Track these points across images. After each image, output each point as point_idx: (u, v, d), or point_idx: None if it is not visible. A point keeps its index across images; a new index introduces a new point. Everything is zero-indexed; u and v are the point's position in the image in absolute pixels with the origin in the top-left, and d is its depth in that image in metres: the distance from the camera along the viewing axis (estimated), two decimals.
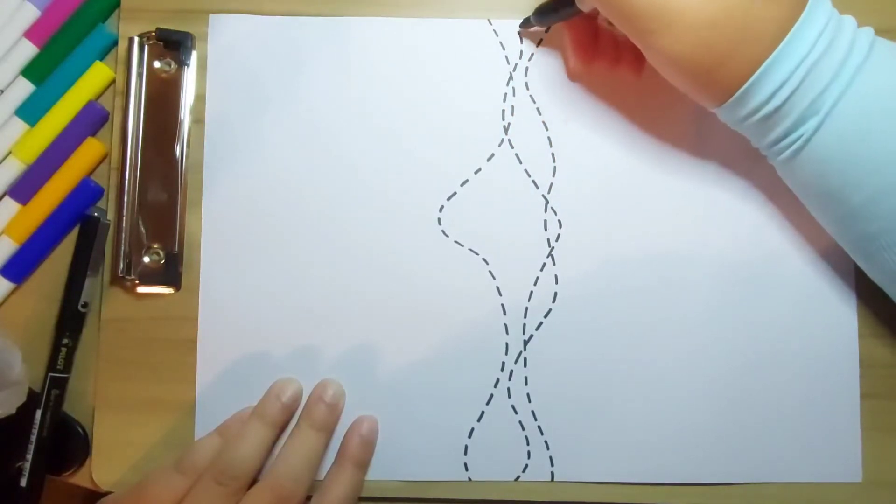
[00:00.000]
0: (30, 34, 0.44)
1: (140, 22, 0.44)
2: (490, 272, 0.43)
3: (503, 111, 0.44)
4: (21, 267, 0.43)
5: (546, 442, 0.42)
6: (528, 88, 0.44)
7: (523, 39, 0.44)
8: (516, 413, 0.42)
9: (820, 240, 0.43)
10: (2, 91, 0.44)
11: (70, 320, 0.42)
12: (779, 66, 0.34)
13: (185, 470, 0.39)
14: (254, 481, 0.39)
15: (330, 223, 0.43)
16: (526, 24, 0.43)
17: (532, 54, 0.44)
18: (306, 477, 0.39)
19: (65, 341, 0.42)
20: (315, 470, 0.40)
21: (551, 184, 0.44)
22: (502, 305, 0.43)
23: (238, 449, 0.39)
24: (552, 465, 0.42)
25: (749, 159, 0.43)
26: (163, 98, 0.44)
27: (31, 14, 0.44)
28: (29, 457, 0.41)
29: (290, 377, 0.42)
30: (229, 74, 0.44)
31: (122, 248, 0.42)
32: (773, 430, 0.42)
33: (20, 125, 0.44)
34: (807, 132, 0.35)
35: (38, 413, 0.41)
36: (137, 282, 0.43)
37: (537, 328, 0.43)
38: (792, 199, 0.42)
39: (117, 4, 0.45)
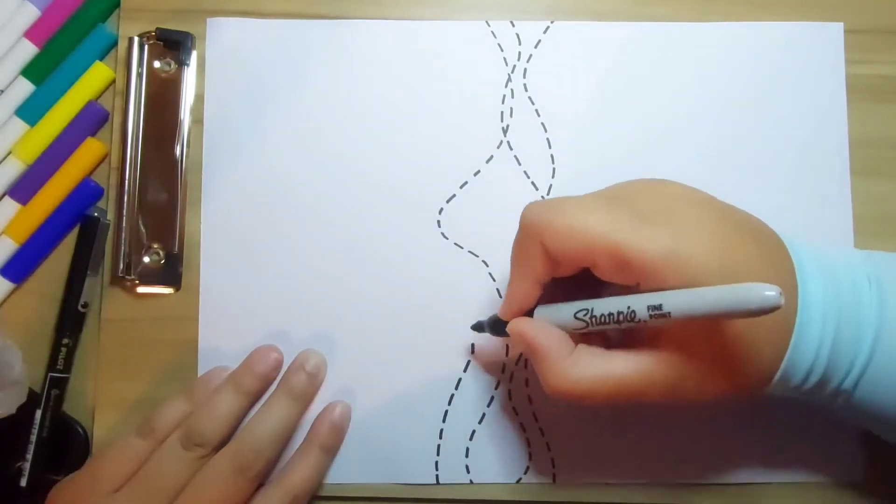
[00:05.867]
0: (30, 34, 0.44)
1: (140, 22, 0.44)
2: (490, 274, 0.43)
3: (502, 113, 0.44)
4: (21, 267, 0.43)
5: (547, 444, 0.42)
6: (526, 90, 0.44)
7: (522, 41, 0.44)
8: (517, 415, 0.42)
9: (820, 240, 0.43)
10: (2, 91, 0.44)
11: (70, 320, 0.42)
12: (797, 362, 0.33)
13: (147, 433, 0.39)
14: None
15: (329, 224, 0.43)
16: (479, 328, 0.41)
17: (531, 55, 0.44)
18: (270, 448, 0.39)
19: (65, 341, 0.42)
20: (283, 441, 0.40)
21: (551, 185, 0.44)
22: None
23: (207, 415, 0.39)
24: (554, 466, 0.42)
25: (750, 167, 0.43)
26: (163, 98, 0.44)
27: (31, 14, 0.44)
28: (29, 457, 0.41)
29: (271, 345, 0.42)
30: (228, 77, 0.44)
31: (122, 248, 0.42)
32: (773, 431, 0.42)
33: (20, 125, 0.44)
34: (850, 385, 0.34)
35: (38, 413, 0.41)
36: (137, 282, 0.43)
37: None
38: (789, 207, 0.42)
39: (117, 4, 0.45)
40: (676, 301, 0.30)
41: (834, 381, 0.34)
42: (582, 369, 0.33)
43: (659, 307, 0.30)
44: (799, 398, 0.36)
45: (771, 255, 0.34)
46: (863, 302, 0.34)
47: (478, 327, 0.41)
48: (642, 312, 0.31)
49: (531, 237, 0.34)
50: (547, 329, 0.35)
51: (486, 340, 0.42)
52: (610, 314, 0.32)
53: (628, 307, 0.32)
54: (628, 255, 0.31)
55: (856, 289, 0.34)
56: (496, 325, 0.39)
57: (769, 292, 0.27)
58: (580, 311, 0.34)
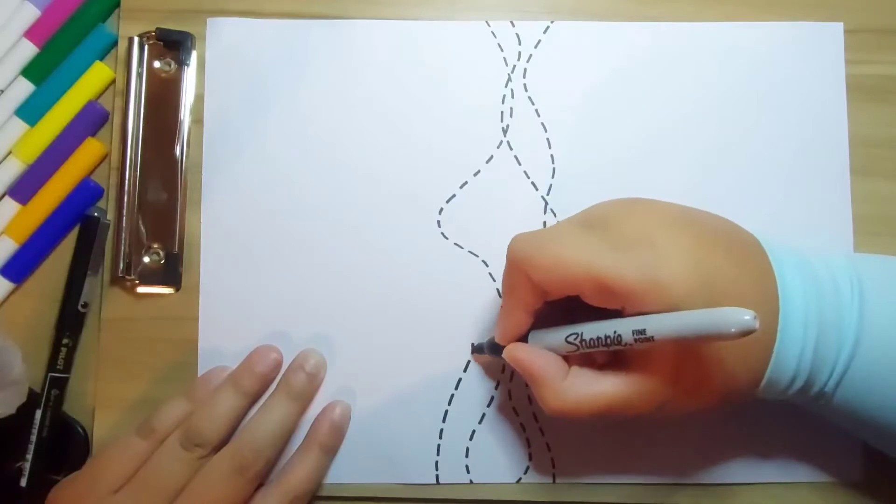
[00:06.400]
0: (30, 34, 0.44)
1: (140, 22, 0.44)
2: (490, 274, 0.43)
3: (502, 113, 0.44)
4: (21, 267, 0.43)
5: (547, 444, 0.42)
6: (526, 90, 0.44)
7: (522, 41, 0.44)
8: (517, 415, 0.42)
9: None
10: (2, 91, 0.44)
11: (70, 320, 0.42)
12: (781, 368, 0.34)
13: (148, 434, 0.39)
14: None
15: (329, 224, 0.43)
16: (478, 350, 0.42)
17: (531, 56, 0.44)
18: (269, 448, 0.39)
19: (65, 341, 0.42)
20: (282, 441, 0.40)
21: (550, 185, 0.44)
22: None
23: (207, 415, 0.39)
24: (554, 466, 0.42)
25: (750, 167, 0.43)
26: (163, 98, 0.44)
27: (31, 14, 0.44)
28: (29, 457, 0.41)
29: (270, 345, 0.42)
30: (227, 77, 0.44)
31: (122, 248, 0.42)
32: (772, 431, 0.42)
33: (20, 125, 0.44)
34: (831, 387, 0.35)
35: (38, 413, 0.41)
36: (137, 282, 0.43)
37: None
38: (789, 207, 0.42)
39: (117, 4, 0.45)
40: (658, 325, 0.31)
41: (817, 384, 0.35)
42: (577, 391, 0.35)
43: (642, 332, 0.32)
44: (786, 401, 0.36)
45: (750, 268, 0.34)
46: (844, 305, 0.35)
47: (477, 349, 0.42)
48: (627, 336, 0.32)
49: (517, 271, 0.36)
50: (542, 354, 0.36)
51: (483, 361, 0.43)
52: (598, 338, 0.34)
53: (614, 331, 0.33)
54: (610, 284, 0.32)
55: (837, 292, 0.35)
56: (494, 348, 0.39)
57: (745, 317, 0.28)
58: (571, 335, 0.35)
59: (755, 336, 0.29)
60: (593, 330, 0.34)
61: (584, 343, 0.35)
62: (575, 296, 0.35)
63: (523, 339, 0.38)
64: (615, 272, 0.32)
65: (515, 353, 0.37)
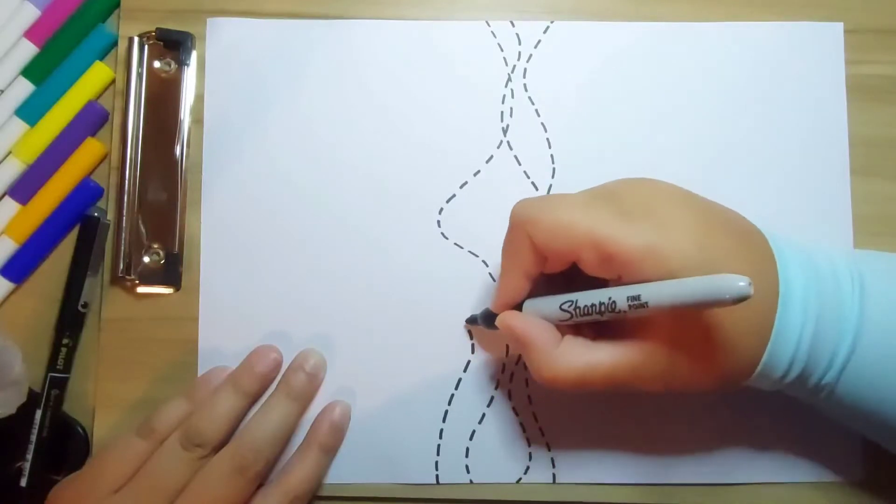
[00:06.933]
0: (30, 34, 0.44)
1: (140, 22, 0.44)
2: (490, 274, 0.43)
3: (502, 113, 0.44)
4: (21, 267, 0.43)
5: (548, 444, 0.42)
6: (526, 90, 0.44)
7: (522, 40, 0.44)
8: (517, 415, 0.42)
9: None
10: (2, 91, 0.44)
11: (70, 320, 0.42)
12: (778, 353, 0.34)
13: (148, 434, 0.39)
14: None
15: (329, 224, 0.43)
16: (472, 321, 0.42)
17: (531, 55, 0.44)
18: (269, 449, 0.39)
19: (65, 341, 0.42)
20: (283, 441, 0.40)
21: (550, 185, 0.44)
22: None
23: (207, 415, 0.39)
24: (554, 466, 0.42)
25: (750, 167, 0.43)
26: (163, 98, 0.44)
27: (31, 14, 0.44)
28: (29, 457, 0.41)
29: (270, 345, 0.42)
30: (227, 77, 0.44)
31: (122, 248, 0.42)
32: (772, 431, 0.42)
33: (20, 125, 0.44)
34: (832, 379, 0.35)
35: (38, 413, 0.41)
36: (137, 282, 0.43)
37: None
38: (789, 207, 0.42)
39: (117, 4, 0.45)
40: (653, 291, 0.31)
41: (815, 374, 0.35)
42: (569, 359, 0.34)
43: (637, 297, 0.32)
44: (785, 392, 0.36)
45: (751, 250, 0.34)
46: (844, 298, 0.35)
47: (472, 320, 0.42)
48: (622, 303, 0.32)
49: (520, 232, 0.35)
50: (534, 321, 0.36)
51: (486, 341, 0.43)
52: (592, 305, 0.34)
53: (609, 298, 0.33)
54: (610, 248, 0.32)
55: (837, 285, 0.35)
56: (489, 318, 0.39)
57: (740, 283, 0.28)
58: (565, 302, 0.35)
59: (755, 316, 0.29)
60: (588, 297, 0.34)
61: (578, 310, 0.34)
62: (571, 274, 0.35)
63: (518, 308, 0.38)
64: (617, 239, 0.32)
65: (508, 319, 0.37)
